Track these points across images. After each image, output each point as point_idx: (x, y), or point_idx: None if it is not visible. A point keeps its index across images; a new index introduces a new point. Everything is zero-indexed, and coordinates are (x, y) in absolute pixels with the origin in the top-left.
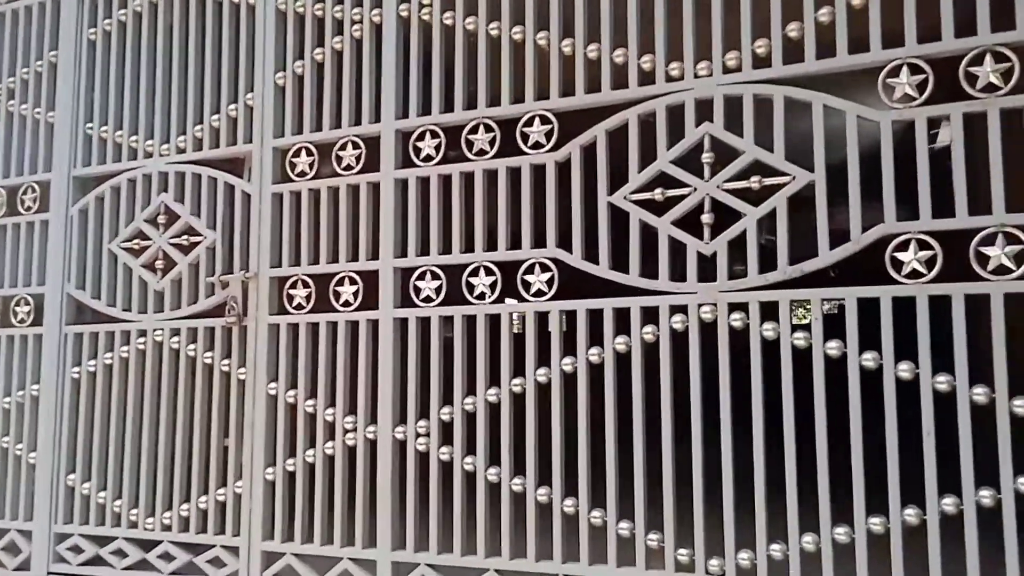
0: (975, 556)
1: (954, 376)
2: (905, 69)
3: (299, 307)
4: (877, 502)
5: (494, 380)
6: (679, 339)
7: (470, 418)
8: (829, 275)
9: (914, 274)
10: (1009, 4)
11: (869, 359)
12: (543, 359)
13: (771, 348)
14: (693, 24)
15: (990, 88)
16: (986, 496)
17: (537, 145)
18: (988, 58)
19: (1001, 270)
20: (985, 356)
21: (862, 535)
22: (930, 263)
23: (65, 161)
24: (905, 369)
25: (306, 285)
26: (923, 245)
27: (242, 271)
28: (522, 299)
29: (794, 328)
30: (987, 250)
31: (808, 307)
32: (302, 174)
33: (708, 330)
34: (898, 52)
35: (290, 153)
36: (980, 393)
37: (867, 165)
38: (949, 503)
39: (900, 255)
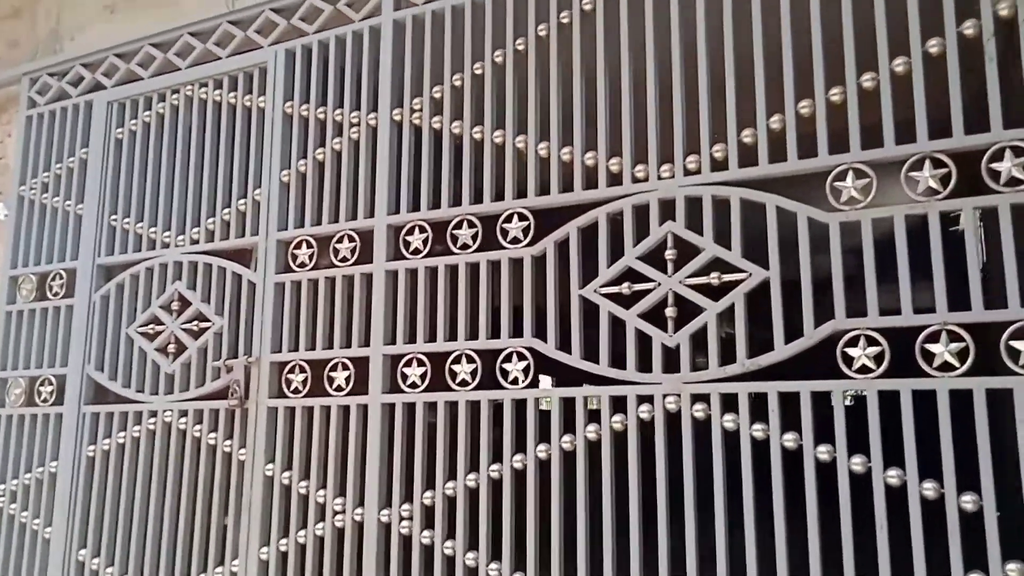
0: None
1: (904, 470)
2: (851, 173)
3: (296, 391)
4: None
5: (473, 466)
6: (646, 428)
7: (451, 502)
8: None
9: (864, 369)
10: (946, 114)
11: (823, 451)
12: (520, 445)
13: (732, 437)
14: (657, 129)
15: (930, 192)
16: None
17: (515, 240)
18: (927, 163)
19: (946, 367)
20: (936, 450)
21: None
22: (879, 358)
23: (91, 250)
24: (858, 463)
25: (303, 370)
26: (872, 341)
27: (245, 356)
28: (500, 386)
29: (753, 420)
30: (932, 347)
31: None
32: (302, 265)
33: (673, 420)
34: (844, 157)
35: (292, 245)
36: (929, 488)
37: (823, 262)
38: None
39: (850, 350)
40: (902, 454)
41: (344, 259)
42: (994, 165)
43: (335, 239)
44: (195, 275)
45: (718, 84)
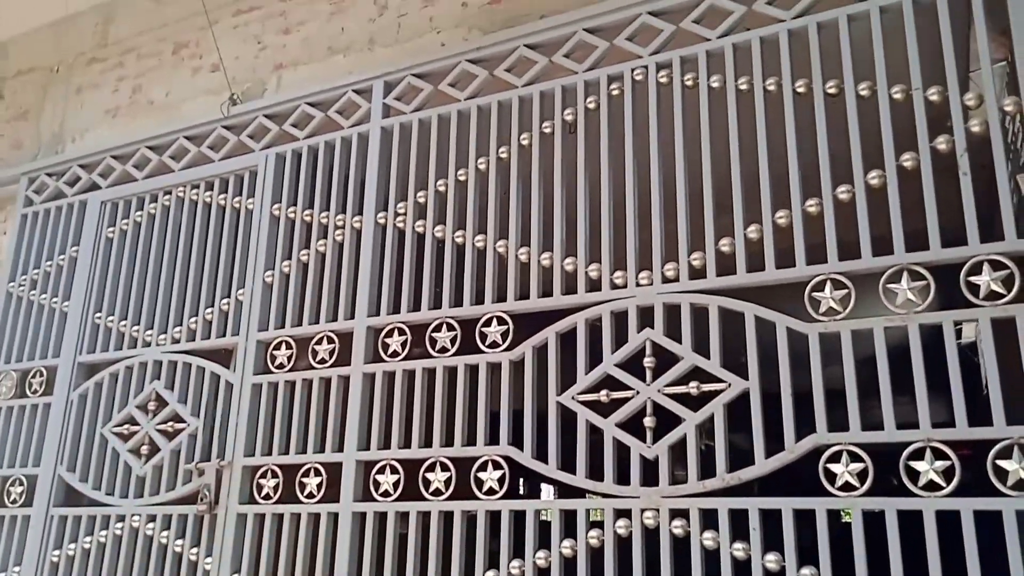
0: None
1: None
2: (829, 284)
3: (267, 497)
4: None
5: None
6: (623, 544)
7: None
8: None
9: (847, 487)
10: (923, 226)
11: (806, 574)
12: (493, 561)
13: (712, 556)
14: (635, 237)
15: (909, 304)
16: None
17: (494, 344)
18: (905, 276)
19: (931, 486)
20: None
21: None
22: (862, 476)
23: (72, 347)
24: None
25: (275, 475)
26: (855, 457)
27: (218, 459)
28: (475, 497)
29: (734, 537)
30: (916, 465)
31: None
32: (281, 366)
33: (651, 535)
34: (822, 268)
35: (271, 345)
36: None
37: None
38: None
39: (832, 467)
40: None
41: (323, 360)
42: (972, 278)
43: (315, 340)
44: (174, 374)
45: (696, 193)
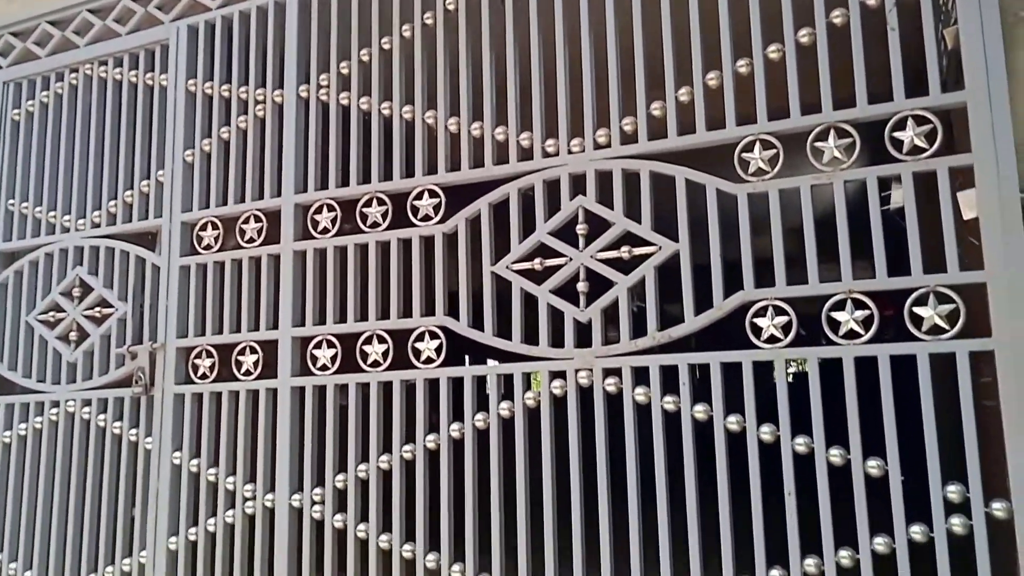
0: None
1: (812, 438)
2: (758, 144)
3: (203, 376)
4: (746, 562)
5: (387, 447)
6: (559, 404)
7: (363, 485)
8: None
9: (772, 339)
10: (851, 85)
11: (733, 422)
12: (433, 425)
13: (645, 411)
14: (567, 104)
15: (835, 162)
16: (845, 557)
17: (426, 218)
18: (832, 134)
19: (851, 335)
20: (842, 418)
21: None
22: (786, 328)
23: None
24: (767, 431)
25: (210, 355)
26: (780, 311)
27: (150, 342)
28: (412, 366)
29: (664, 392)
30: (838, 315)
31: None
32: (208, 247)
33: (586, 394)
34: (751, 129)
35: (197, 227)
36: (836, 454)
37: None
38: (811, 564)
39: (759, 321)
40: (808, 422)
41: (251, 240)
42: (897, 134)
43: (241, 220)
44: (97, 260)
45: (627, 58)
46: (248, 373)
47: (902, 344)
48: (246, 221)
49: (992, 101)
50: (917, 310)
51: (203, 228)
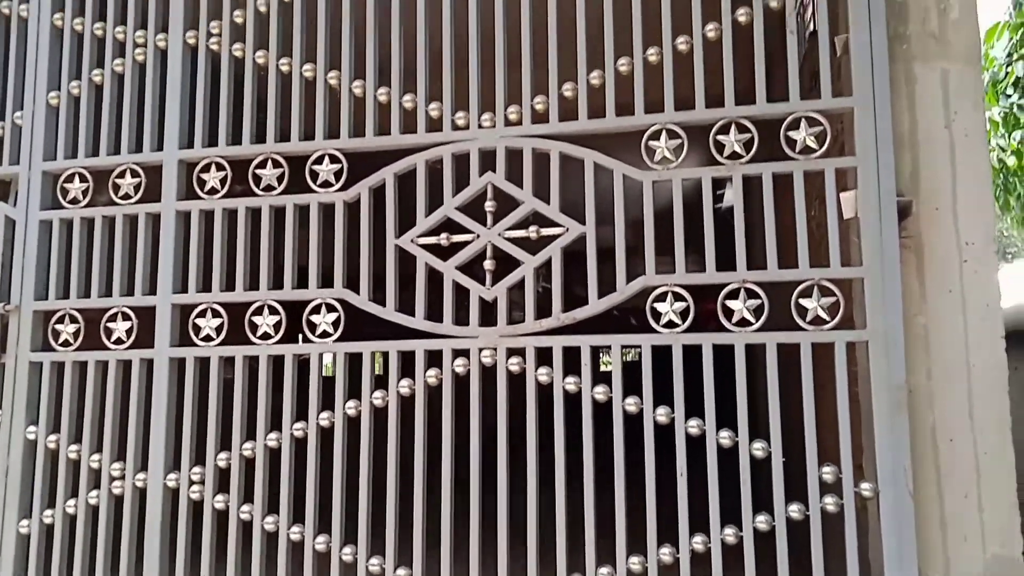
0: None
1: (704, 420)
2: (664, 134)
3: (66, 344)
4: (639, 538)
5: (275, 425)
6: (461, 382)
7: (249, 464)
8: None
9: (670, 324)
10: (751, 83)
11: (631, 403)
12: (327, 403)
13: (546, 391)
14: (478, 77)
15: (735, 156)
16: (729, 535)
17: (326, 184)
18: (733, 129)
19: (743, 323)
20: (733, 402)
21: (623, 574)
22: (684, 314)
23: None
24: (662, 413)
25: (74, 320)
26: (678, 297)
27: (3, 303)
28: (307, 340)
29: (566, 373)
30: (732, 303)
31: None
32: (74, 201)
33: (488, 373)
34: (659, 118)
35: (62, 178)
36: (725, 437)
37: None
38: (698, 541)
39: (658, 306)
40: (703, 404)
41: (126, 196)
42: (791, 133)
43: (115, 173)
44: None
45: (540, 37)
46: (120, 342)
47: (788, 333)
48: (121, 175)
49: (876, 109)
50: (803, 301)
51: (69, 180)
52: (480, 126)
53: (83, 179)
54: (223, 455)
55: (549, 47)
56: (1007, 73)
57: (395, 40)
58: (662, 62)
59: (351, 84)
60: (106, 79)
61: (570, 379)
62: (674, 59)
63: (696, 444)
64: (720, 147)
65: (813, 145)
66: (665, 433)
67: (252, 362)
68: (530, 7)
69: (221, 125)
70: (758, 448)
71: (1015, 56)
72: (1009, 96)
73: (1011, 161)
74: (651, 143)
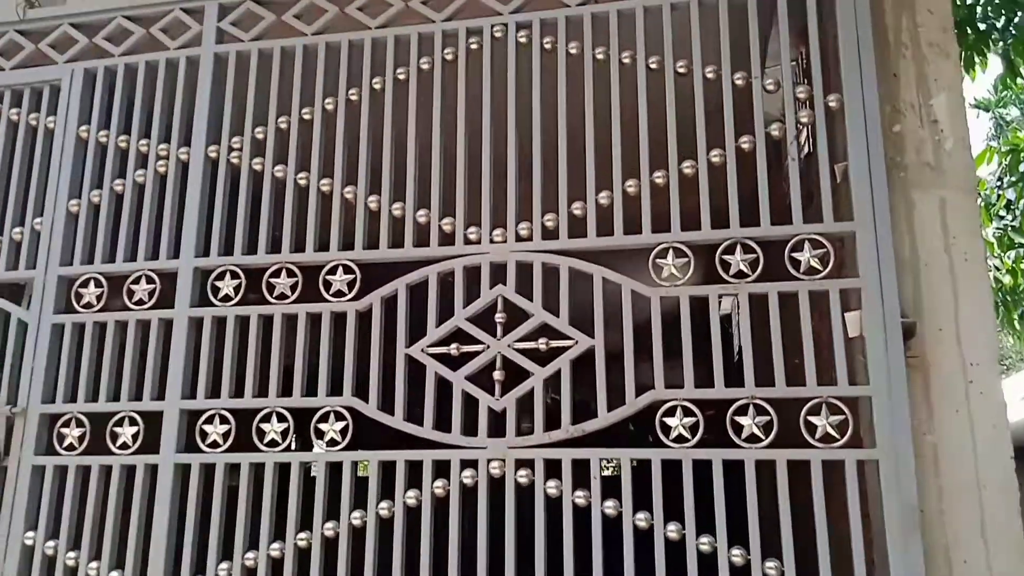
0: None
1: (715, 537)
2: (671, 252)
3: (70, 448)
4: None
5: (279, 534)
6: (468, 493)
7: (250, 574)
8: (611, 434)
9: (680, 439)
10: (755, 203)
11: (642, 519)
12: (333, 512)
13: (555, 504)
14: (490, 193)
15: (740, 275)
16: None
17: (339, 293)
18: (738, 248)
19: (753, 439)
20: (745, 518)
21: None
22: (694, 429)
23: None
24: (673, 530)
25: (80, 424)
26: (687, 412)
27: (8, 406)
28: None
29: (575, 487)
30: (741, 419)
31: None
32: (88, 305)
33: (496, 485)
34: (666, 236)
35: (77, 283)
36: (737, 555)
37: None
38: None
39: (668, 420)
40: (714, 520)
41: (140, 302)
42: (795, 254)
43: (131, 279)
44: None
45: (551, 155)
46: (125, 446)
47: (798, 451)
48: (136, 281)
49: (878, 233)
50: (812, 419)
51: (84, 285)
52: (492, 241)
53: (98, 284)
54: (224, 565)
55: (559, 166)
56: (999, 196)
57: (410, 157)
58: (668, 184)
59: (367, 198)
60: (127, 188)
61: (579, 492)
62: (680, 181)
63: (708, 560)
64: (726, 265)
65: (817, 266)
66: (676, 548)
67: (258, 469)
68: (541, 129)
69: (237, 235)
70: (771, 567)
71: (1004, 182)
72: (1003, 217)
73: (1007, 279)
74: (658, 261)
